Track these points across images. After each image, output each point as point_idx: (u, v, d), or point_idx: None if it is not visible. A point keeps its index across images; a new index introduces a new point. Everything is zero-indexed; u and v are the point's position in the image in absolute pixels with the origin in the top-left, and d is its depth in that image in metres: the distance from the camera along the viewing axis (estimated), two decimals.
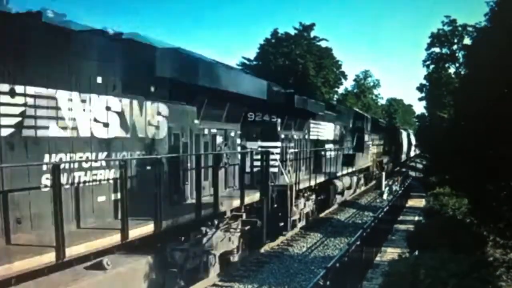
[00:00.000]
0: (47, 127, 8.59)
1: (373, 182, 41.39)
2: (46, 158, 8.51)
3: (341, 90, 67.75)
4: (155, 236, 10.26)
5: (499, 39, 11.14)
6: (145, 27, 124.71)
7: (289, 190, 17.61)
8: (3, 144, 7.78)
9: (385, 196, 34.58)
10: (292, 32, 55.45)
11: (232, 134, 16.01)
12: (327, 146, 26.67)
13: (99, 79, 9.80)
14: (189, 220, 11.48)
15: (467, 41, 35.58)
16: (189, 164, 12.99)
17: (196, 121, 13.46)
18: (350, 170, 30.03)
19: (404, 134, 65.13)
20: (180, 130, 12.66)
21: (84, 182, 9.40)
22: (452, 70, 39.83)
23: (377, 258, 15.62)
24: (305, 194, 21.52)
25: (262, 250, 17.39)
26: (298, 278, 14.69)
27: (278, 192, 17.12)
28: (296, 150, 21.49)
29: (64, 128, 8.95)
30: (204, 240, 12.24)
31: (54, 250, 7.54)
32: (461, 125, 13.36)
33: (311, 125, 24.32)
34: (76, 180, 9.20)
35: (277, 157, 17.79)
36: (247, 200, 14.65)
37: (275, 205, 16.86)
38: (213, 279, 13.71)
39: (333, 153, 26.53)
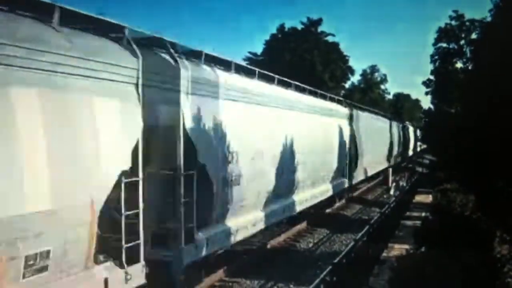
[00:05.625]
0: None
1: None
2: None
3: (348, 85, 67.53)
4: None
5: (503, 35, 11.03)
6: (140, 20, 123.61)
7: None
8: None
9: (392, 192, 34.53)
10: (299, 27, 55.39)
11: None
12: None
13: None
14: None
15: (474, 36, 35.35)
16: None
17: None
18: None
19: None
20: None
21: None
22: (459, 65, 39.59)
23: (384, 254, 15.62)
24: None
25: (268, 246, 17.41)
26: (305, 274, 14.70)
27: None
28: None
29: None
30: None
31: None
32: (469, 121, 13.29)
33: None
34: None
35: None
36: None
37: None
38: (219, 274, 13.76)
39: None
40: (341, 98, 29.37)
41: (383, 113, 48.78)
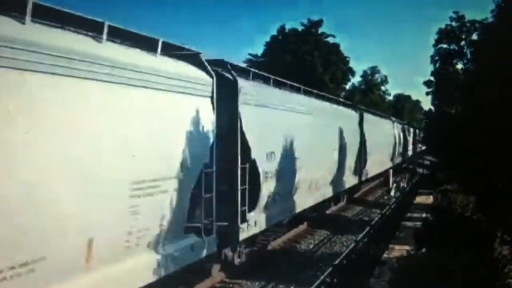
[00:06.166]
0: None
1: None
2: None
3: (348, 86, 67.58)
4: None
5: (504, 36, 11.01)
6: (140, 20, 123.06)
7: None
8: None
9: (392, 193, 34.53)
10: (300, 28, 55.50)
11: None
12: None
13: None
14: None
15: (475, 37, 35.36)
16: None
17: None
18: None
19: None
20: None
21: None
22: (460, 66, 39.60)
23: (385, 255, 15.61)
24: None
25: (269, 247, 17.41)
26: (305, 275, 14.70)
27: None
28: None
29: None
30: None
31: None
32: (470, 121, 13.29)
33: None
34: None
35: None
36: None
37: None
38: (219, 276, 13.75)
39: None
40: (204, 60, 12.14)
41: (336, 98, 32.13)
